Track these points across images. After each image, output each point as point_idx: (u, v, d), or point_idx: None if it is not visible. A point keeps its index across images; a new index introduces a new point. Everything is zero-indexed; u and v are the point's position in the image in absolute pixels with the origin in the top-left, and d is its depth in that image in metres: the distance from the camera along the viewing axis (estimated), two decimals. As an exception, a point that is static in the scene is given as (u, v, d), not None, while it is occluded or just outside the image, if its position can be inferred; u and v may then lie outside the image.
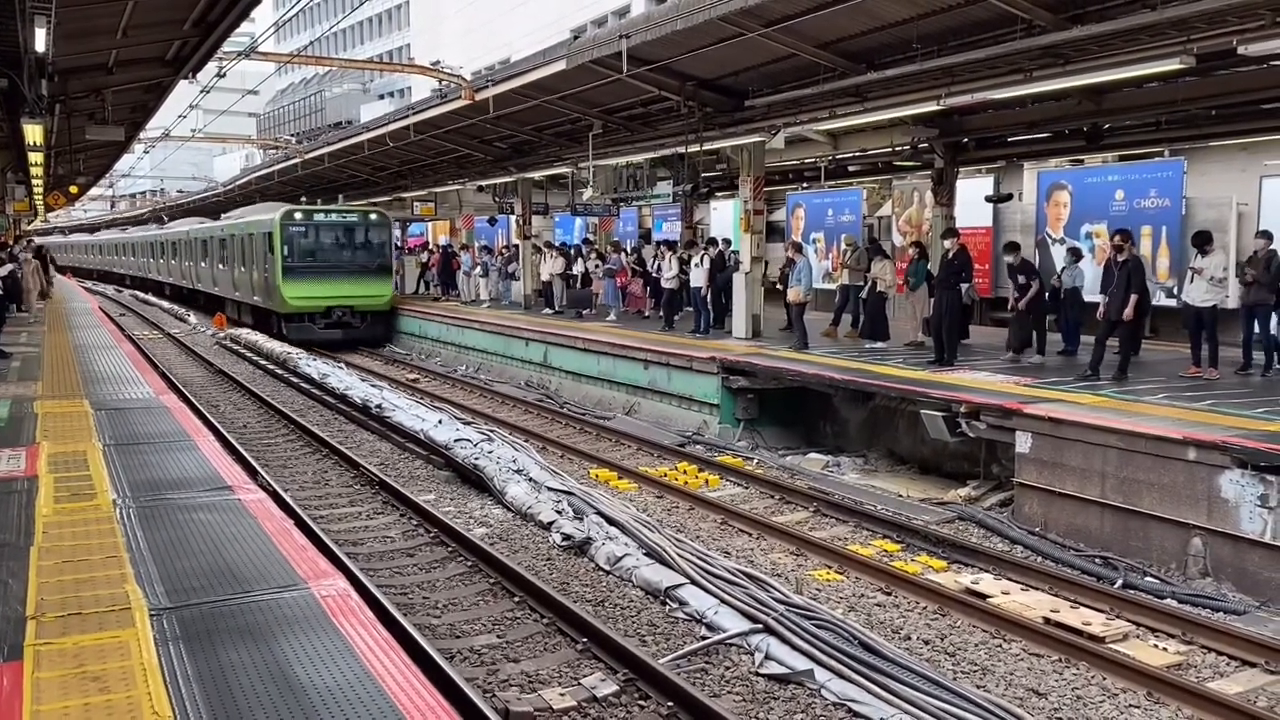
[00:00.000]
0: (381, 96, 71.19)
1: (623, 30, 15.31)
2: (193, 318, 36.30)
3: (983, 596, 8.63)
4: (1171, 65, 10.91)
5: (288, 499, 10.80)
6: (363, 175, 34.01)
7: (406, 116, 24.92)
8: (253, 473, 11.73)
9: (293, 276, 26.80)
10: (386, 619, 6.80)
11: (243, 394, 19.54)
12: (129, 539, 6.41)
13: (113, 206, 75.96)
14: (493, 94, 19.64)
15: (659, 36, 14.42)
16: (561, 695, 6.50)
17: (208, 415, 15.54)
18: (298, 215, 27.42)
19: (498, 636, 7.63)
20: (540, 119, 21.65)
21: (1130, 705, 6.93)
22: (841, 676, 6.58)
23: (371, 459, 13.62)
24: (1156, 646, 7.80)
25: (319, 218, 28.04)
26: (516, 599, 8.34)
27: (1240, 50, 10.15)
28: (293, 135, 57.49)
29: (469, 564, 9.29)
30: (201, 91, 18.33)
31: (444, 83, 23.13)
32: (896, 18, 12.82)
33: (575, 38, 17.78)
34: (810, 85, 15.18)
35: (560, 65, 16.99)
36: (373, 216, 28.51)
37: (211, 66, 16.62)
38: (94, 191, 54.71)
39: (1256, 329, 13.05)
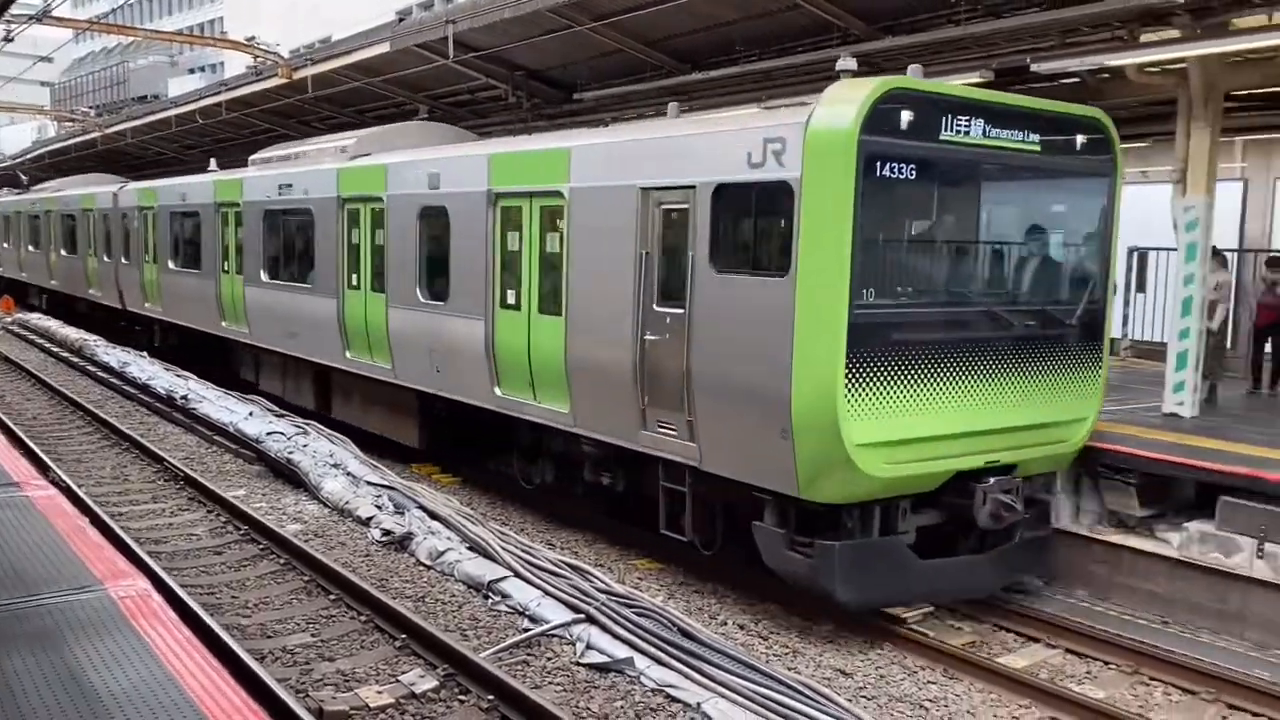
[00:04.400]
0: (192, 71, 67.54)
1: (450, 15, 15.07)
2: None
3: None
4: (973, 78, 11.60)
5: (82, 495, 10.15)
6: (170, 153, 32.19)
7: (219, 93, 23.80)
8: (43, 468, 10.99)
9: (876, 373, 7.55)
10: (192, 620, 6.50)
11: (33, 383, 18.18)
12: (-104, 541, 5.88)
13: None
14: (312, 73, 18.98)
15: (487, 24, 14.27)
16: (379, 693, 6.37)
17: (-9, 406, 14.40)
18: (905, 118, 7.46)
19: (312, 635, 7.41)
20: (363, 101, 21.05)
21: (928, 682, 7.37)
22: (660, 663, 6.71)
23: (176, 453, 12.93)
24: (954, 627, 8.32)
25: (1004, 137, 8.05)
26: (333, 596, 8.12)
27: (1033, 68, 10.88)
28: (92, 107, 53.86)
29: (282, 561, 8.96)
30: (-14, 55, 16.91)
31: (260, 59, 22.16)
32: (721, 19, 13.12)
33: (400, 20, 17.41)
34: (638, 81, 15.35)
35: (384, 48, 16.58)
36: (1083, 141, 8.59)
37: (-2, 29, 15.37)
38: None
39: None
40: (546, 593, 7.82)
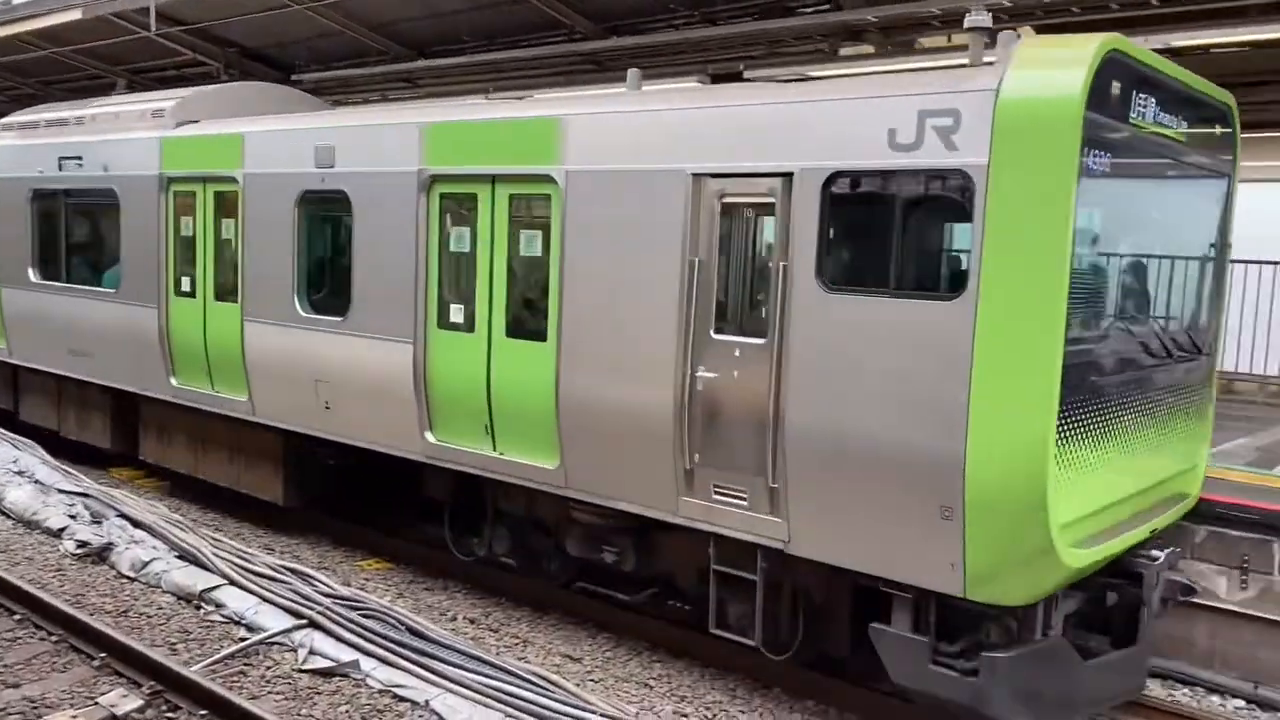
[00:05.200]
0: None
1: (152, -16, 13.99)
2: None
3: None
4: (691, 82, 12.13)
5: None
6: None
7: None
8: None
9: (1081, 427, 5.88)
10: None
11: None
12: None
13: None
14: (-13, 38, 17.07)
15: (195, -4, 13.41)
16: (74, 718, 5.87)
17: None
18: (1114, 91, 5.69)
19: (-8, 661, 6.71)
20: (50, 72, 19.16)
21: (654, 661, 7.68)
22: (388, 663, 6.58)
23: None
24: (675, 605, 8.66)
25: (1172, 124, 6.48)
26: (17, 616, 7.38)
27: (745, 74, 11.52)
28: None
29: (-45, 581, 8.04)
30: None
31: (-78, 18, 19.64)
32: (448, 8, 12.98)
33: (94, -15, 15.95)
34: (362, 66, 14.92)
35: (75, 14, 15.18)
36: (1217, 133, 7.27)
37: None
38: None
39: None
40: (265, 599, 7.48)
